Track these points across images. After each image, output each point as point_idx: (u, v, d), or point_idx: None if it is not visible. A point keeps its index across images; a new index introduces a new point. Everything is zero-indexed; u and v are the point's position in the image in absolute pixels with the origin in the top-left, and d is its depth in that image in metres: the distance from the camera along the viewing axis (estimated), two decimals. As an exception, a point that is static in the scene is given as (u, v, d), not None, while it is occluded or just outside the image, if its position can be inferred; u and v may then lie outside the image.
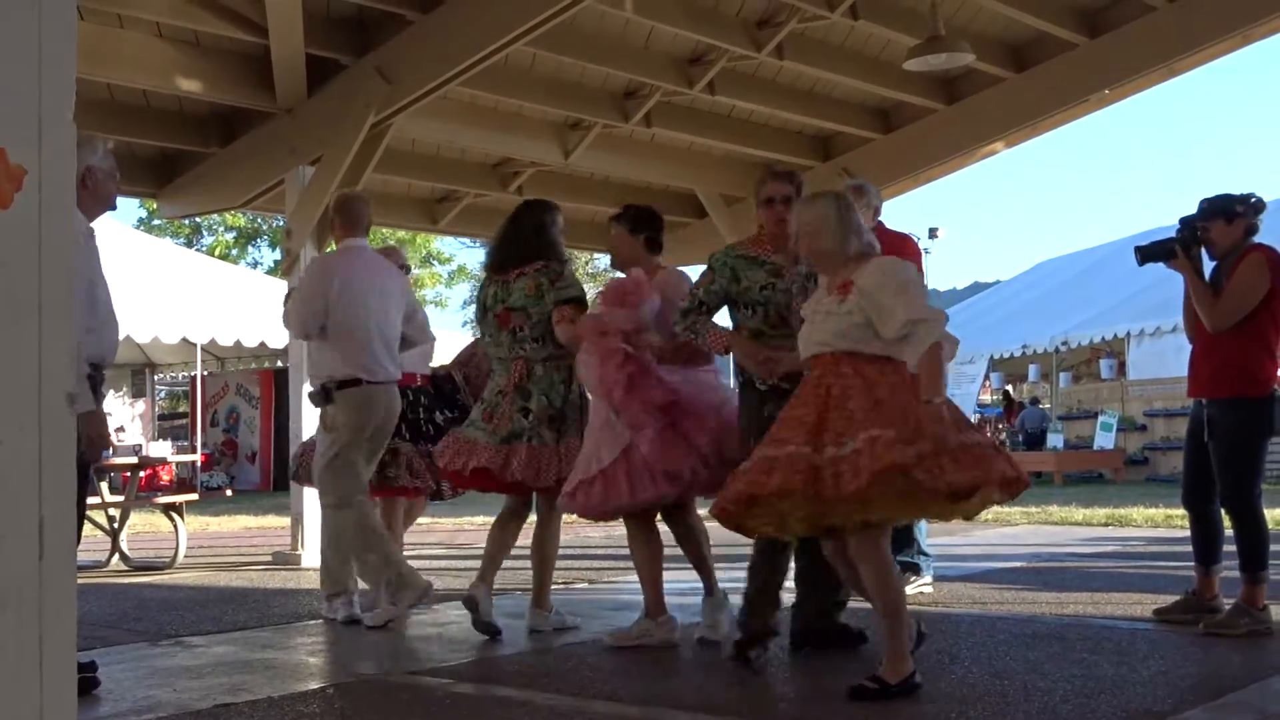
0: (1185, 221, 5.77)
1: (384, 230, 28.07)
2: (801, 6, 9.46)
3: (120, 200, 5.59)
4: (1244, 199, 5.69)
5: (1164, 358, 18.68)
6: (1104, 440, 20.29)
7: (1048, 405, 24.56)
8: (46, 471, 1.76)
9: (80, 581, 6.17)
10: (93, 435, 4.66)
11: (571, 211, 13.55)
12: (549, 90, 10.48)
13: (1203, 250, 5.74)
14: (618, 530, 6.50)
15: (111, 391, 14.67)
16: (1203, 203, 5.78)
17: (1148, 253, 5.82)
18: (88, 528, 10.20)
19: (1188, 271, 5.70)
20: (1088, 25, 10.39)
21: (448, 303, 44.22)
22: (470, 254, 66.45)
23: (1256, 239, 5.67)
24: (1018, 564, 8.70)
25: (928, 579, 6.87)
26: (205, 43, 9.12)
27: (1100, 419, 20.55)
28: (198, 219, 31.64)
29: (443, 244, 33.22)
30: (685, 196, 13.25)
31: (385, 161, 9.96)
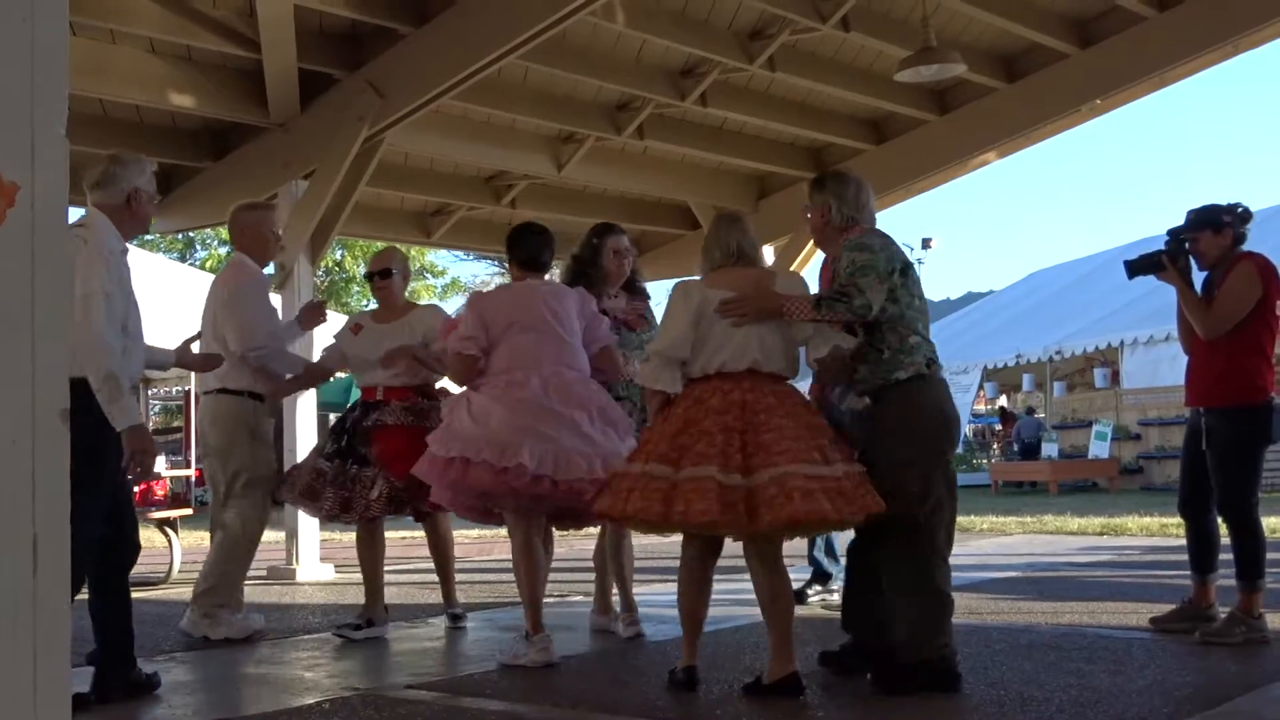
0: (1173, 233, 5.79)
1: (378, 243, 28.06)
2: (793, 18, 9.48)
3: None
4: (1230, 209, 5.73)
5: (1158, 367, 18.74)
6: (1099, 449, 20.33)
7: (1042, 415, 24.59)
8: (40, 488, 1.76)
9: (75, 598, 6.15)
10: (137, 449, 4.63)
11: (565, 224, 13.59)
12: (542, 103, 10.49)
13: (1191, 261, 5.76)
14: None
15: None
16: (1190, 214, 5.80)
17: (1136, 266, 5.85)
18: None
19: (1177, 282, 5.72)
20: (1078, 35, 10.43)
21: (441, 316, 44.33)
22: (464, 267, 66.34)
23: (1244, 248, 5.69)
24: (1013, 574, 8.70)
25: (835, 587, 6.90)
26: (198, 57, 9.12)
27: (1095, 428, 20.58)
28: (191, 234, 31.69)
29: (436, 257, 33.23)
30: (678, 208, 13.27)
31: (378, 175, 9.97)
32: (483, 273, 51.56)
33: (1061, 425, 22.32)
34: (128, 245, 4.90)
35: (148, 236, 29.99)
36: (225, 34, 8.62)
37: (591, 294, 5.85)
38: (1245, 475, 5.58)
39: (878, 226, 4.98)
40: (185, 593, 8.60)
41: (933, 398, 4.75)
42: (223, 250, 33.68)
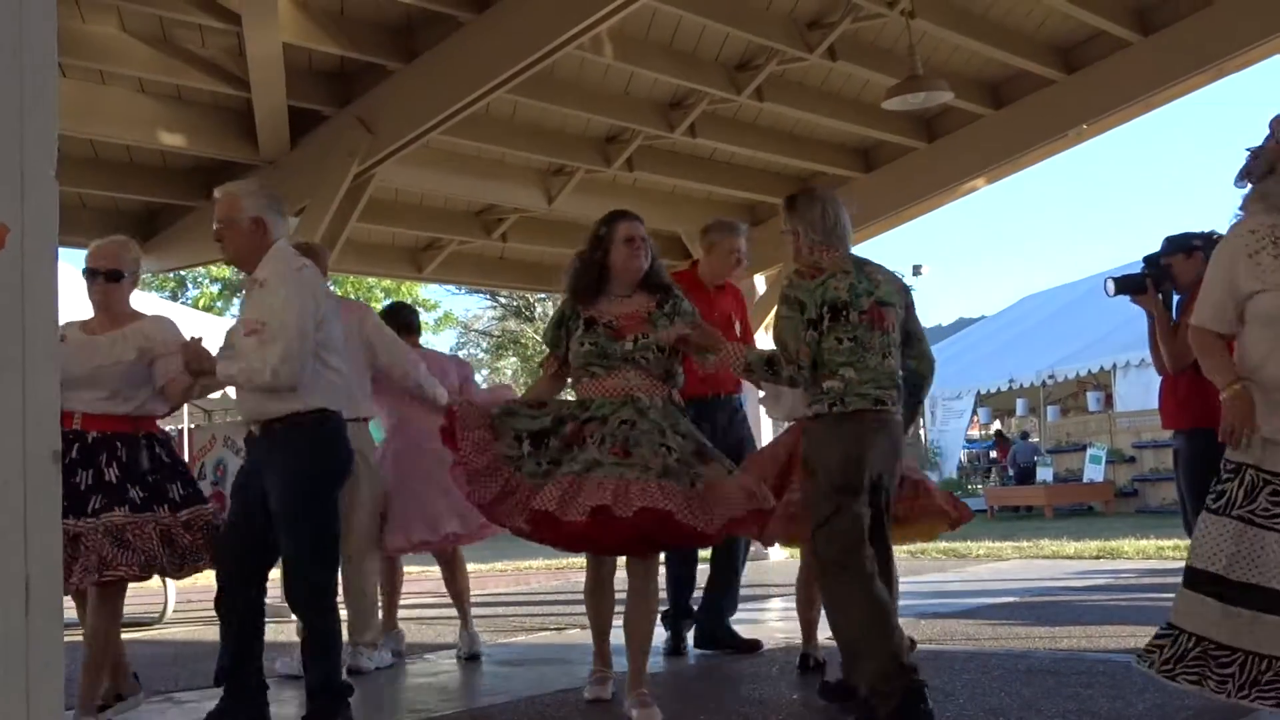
0: (1149, 260, 5.93)
1: (369, 279, 28.15)
2: (780, 48, 9.53)
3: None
4: (1202, 235, 5.86)
5: (1150, 389, 18.67)
6: (1093, 473, 20.31)
7: (1037, 439, 24.58)
8: (32, 529, 1.75)
9: (67, 638, 6.11)
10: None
11: (556, 257, 13.62)
12: (531, 137, 10.53)
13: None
14: (619, 575, 6.50)
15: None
16: (1165, 240, 5.94)
17: (1121, 284, 5.96)
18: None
19: (1157, 308, 5.85)
20: (1063, 61, 10.49)
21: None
22: (456, 300, 66.42)
23: None
24: (1010, 599, 8.68)
25: None
26: (187, 97, 9.14)
27: (1089, 451, 20.57)
28: (182, 272, 31.65)
29: (428, 291, 33.23)
30: (669, 239, 13.27)
31: (369, 211, 9.99)
32: (475, 307, 51.79)
33: (1056, 449, 22.31)
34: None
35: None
36: (215, 73, 8.64)
37: (597, 295, 5.31)
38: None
39: (851, 250, 4.90)
40: (178, 632, 8.58)
41: (825, 439, 4.63)
42: (214, 288, 33.70)
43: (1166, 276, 5.86)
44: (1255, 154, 3.51)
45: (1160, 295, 5.87)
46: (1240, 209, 3.71)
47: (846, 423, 4.59)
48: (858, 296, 4.66)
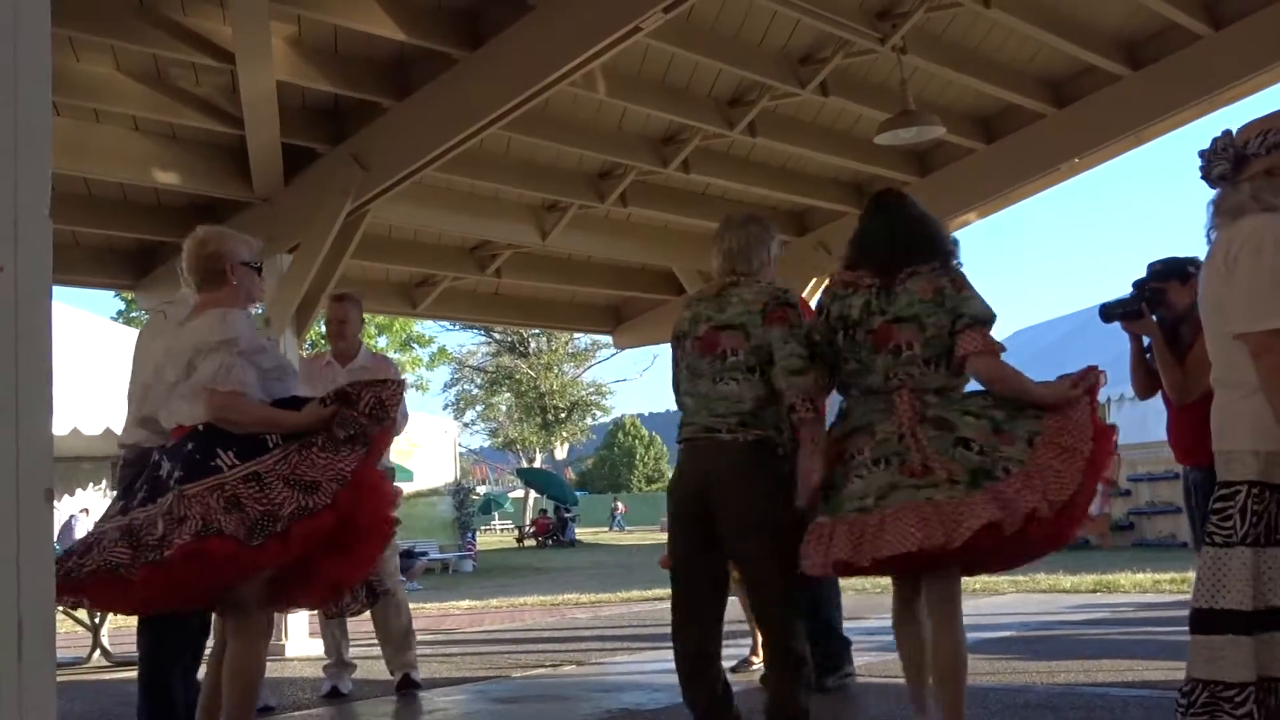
0: (1139, 285, 5.73)
1: (364, 315, 28.03)
2: (772, 84, 9.57)
3: (98, 293, 5.64)
4: (1194, 260, 5.61)
5: (1145, 422, 18.69)
6: (1090, 506, 20.26)
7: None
8: (25, 571, 1.74)
9: (60, 679, 6.08)
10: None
11: (550, 293, 13.66)
12: (525, 173, 10.55)
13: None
14: (604, 611, 6.44)
15: (91, 484, 14.60)
16: (1155, 265, 5.71)
17: (1111, 311, 5.67)
18: (69, 624, 10.08)
19: (1155, 334, 5.63)
20: (1055, 96, 10.54)
21: (429, 385, 44.29)
22: (450, 336, 66.60)
23: None
24: (1007, 633, 8.65)
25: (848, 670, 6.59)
26: (181, 135, 9.16)
27: (1084, 485, 20.52)
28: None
29: (422, 327, 33.25)
30: (663, 274, 13.31)
31: (363, 247, 9.99)
32: (469, 342, 51.86)
33: (1051, 482, 22.26)
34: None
35: (133, 313, 30.04)
36: (208, 111, 8.66)
37: None
38: None
39: (774, 280, 4.74)
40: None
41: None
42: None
43: (1160, 301, 5.60)
44: (1237, 155, 3.44)
45: (1156, 320, 5.60)
46: (1218, 205, 3.50)
47: (681, 455, 4.66)
48: (696, 324, 4.61)
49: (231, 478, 4.13)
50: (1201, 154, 3.52)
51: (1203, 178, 3.53)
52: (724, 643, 4.50)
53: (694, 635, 4.45)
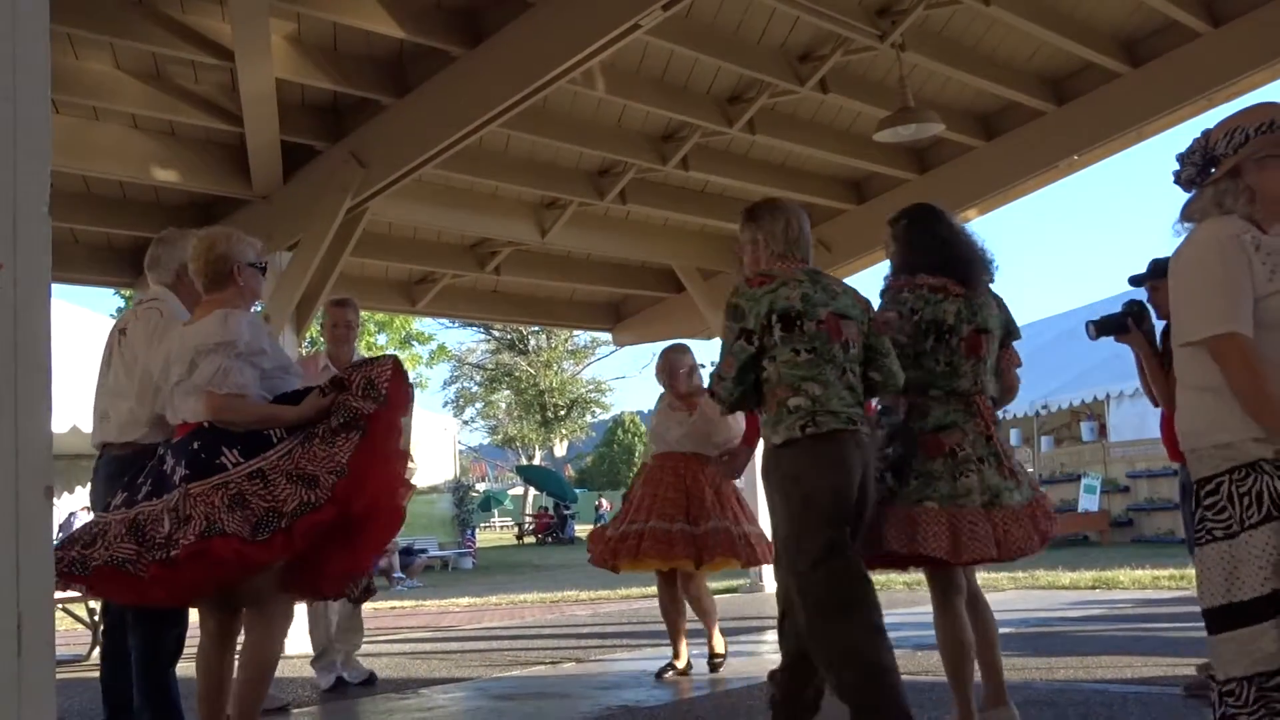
0: (1135, 281, 5.91)
1: (363, 313, 28.07)
2: (771, 81, 9.57)
3: (97, 290, 5.70)
4: None
5: (1144, 419, 18.72)
6: (1088, 503, 20.28)
7: (1031, 469, 24.57)
8: (24, 565, 1.74)
9: (60, 676, 6.10)
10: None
11: (550, 290, 13.66)
12: (524, 170, 10.55)
13: (1152, 313, 5.89)
14: (603, 608, 6.45)
15: (90, 481, 14.59)
16: (1151, 263, 5.90)
17: (1101, 327, 5.86)
18: (68, 621, 10.09)
19: (1142, 346, 5.78)
20: (1054, 93, 10.55)
21: (428, 383, 44.29)
22: (450, 334, 66.59)
23: None
24: (1006, 630, 8.63)
25: None
26: (181, 133, 9.16)
27: (1083, 482, 20.54)
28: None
29: (422, 324, 33.24)
30: (662, 271, 13.32)
31: (362, 244, 10.00)
32: (468, 340, 51.86)
33: (1050, 480, 22.27)
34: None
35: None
36: (208, 109, 8.66)
37: None
38: None
39: (811, 265, 4.61)
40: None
41: (806, 465, 4.24)
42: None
43: (1144, 316, 5.80)
44: (1204, 156, 3.43)
45: (1144, 331, 5.77)
46: (1185, 211, 3.52)
47: (820, 448, 4.23)
48: (813, 306, 4.33)
49: (236, 475, 4.15)
50: (1178, 157, 3.52)
51: (1175, 182, 3.53)
52: (746, 638, 4.50)
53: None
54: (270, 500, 4.10)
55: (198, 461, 4.21)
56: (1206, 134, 3.45)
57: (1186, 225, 3.46)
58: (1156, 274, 5.79)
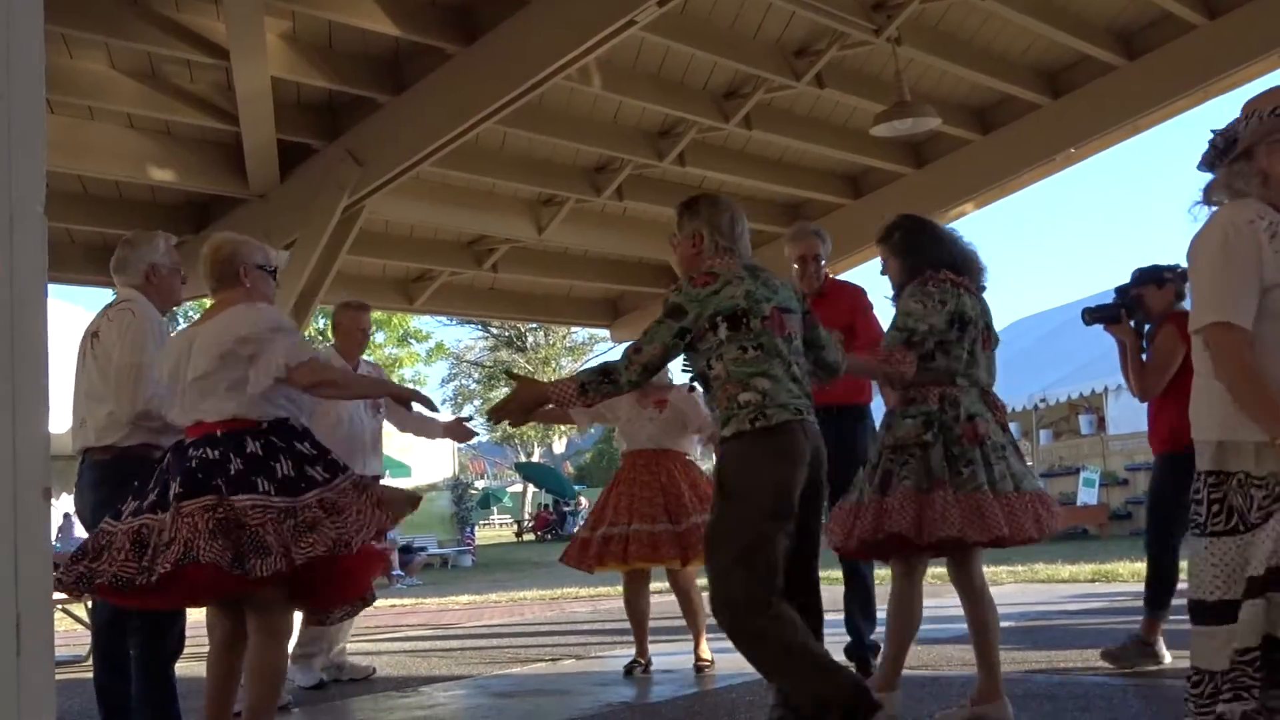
0: (1121, 290, 6.22)
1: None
2: (767, 77, 9.56)
3: (95, 290, 5.71)
4: (1171, 268, 6.19)
5: (1142, 412, 18.72)
6: (1087, 496, 20.31)
7: (1030, 463, 24.56)
8: (23, 566, 1.74)
9: (59, 677, 6.10)
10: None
11: (547, 287, 13.65)
12: (520, 167, 10.54)
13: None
14: (603, 605, 6.46)
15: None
16: (1135, 271, 6.28)
17: (1095, 314, 6.23)
18: (67, 622, 10.09)
19: (1131, 338, 6.16)
20: (1050, 86, 10.54)
21: (426, 380, 44.23)
22: (447, 332, 66.58)
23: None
24: (1006, 623, 8.63)
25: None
26: (177, 132, 9.15)
27: (1082, 475, 20.58)
28: (173, 307, 31.66)
29: (420, 322, 33.26)
30: (660, 267, 13.30)
31: (359, 243, 9.98)
32: (466, 337, 51.83)
33: (1049, 473, 22.30)
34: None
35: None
36: (204, 108, 8.65)
37: None
38: (1168, 515, 6.10)
39: (752, 261, 4.66)
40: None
41: (755, 457, 4.30)
42: (205, 322, 33.66)
43: (1139, 306, 6.17)
44: (1226, 136, 3.42)
45: (1133, 324, 6.18)
46: (1204, 194, 3.50)
47: (772, 440, 4.28)
48: (757, 303, 4.39)
49: (240, 502, 4.16)
50: (1208, 141, 3.52)
51: (1198, 167, 3.53)
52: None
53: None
54: (264, 534, 4.10)
55: (193, 479, 4.20)
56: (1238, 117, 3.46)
57: (1210, 207, 3.45)
58: (1140, 282, 6.22)
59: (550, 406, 4.56)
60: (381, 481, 6.84)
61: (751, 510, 4.21)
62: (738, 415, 4.29)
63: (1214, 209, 3.40)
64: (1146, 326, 6.26)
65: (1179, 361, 5.94)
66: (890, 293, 5.23)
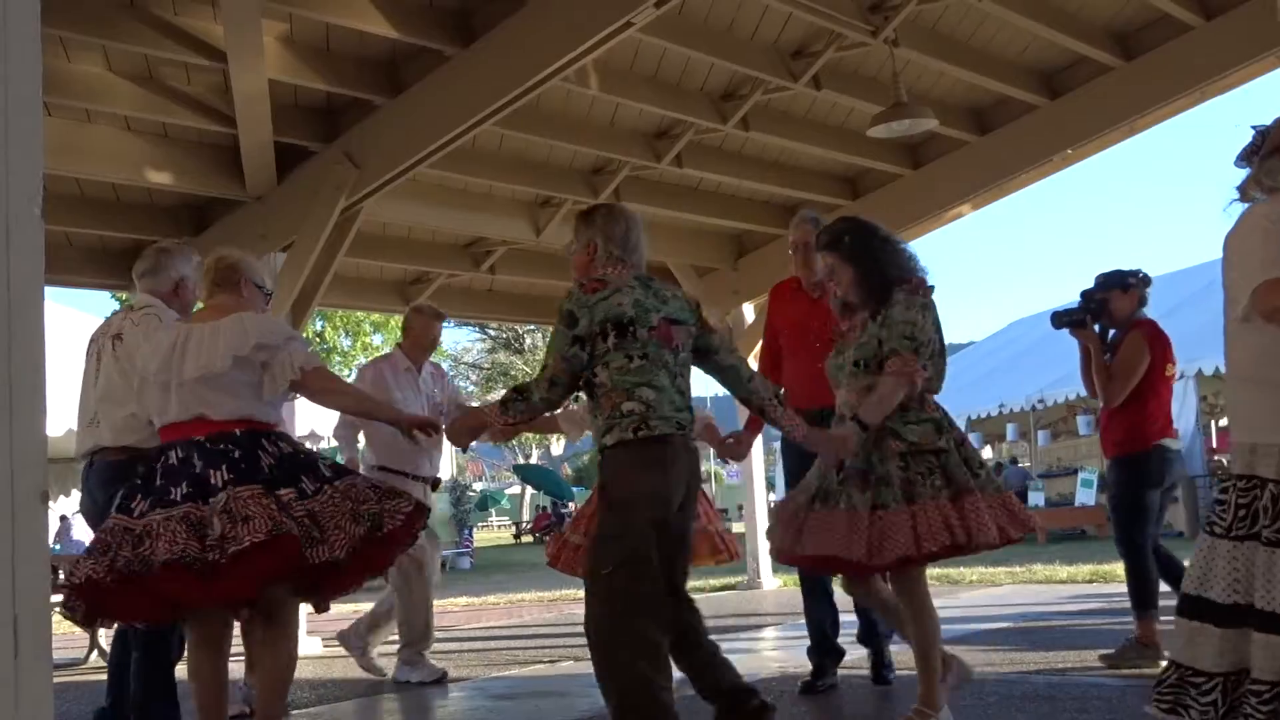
0: (1087, 295, 6.36)
1: (358, 313, 28.18)
2: (764, 78, 9.57)
3: (92, 293, 5.73)
4: (1134, 273, 6.29)
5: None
6: (1085, 496, 20.30)
7: (1028, 463, 24.58)
8: (20, 568, 1.74)
9: (57, 680, 6.10)
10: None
11: (545, 289, 13.65)
12: (518, 169, 10.55)
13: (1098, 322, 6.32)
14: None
15: (75, 489, 14.60)
16: (1099, 277, 6.35)
17: (1063, 319, 6.35)
18: (66, 625, 10.07)
19: (1095, 344, 6.24)
20: (1047, 87, 10.55)
21: (424, 382, 44.23)
22: (445, 333, 66.41)
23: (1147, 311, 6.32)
24: (1004, 624, 8.67)
25: None
26: (174, 135, 9.15)
27: (1080, 475, 20.57)
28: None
29: (417, 325, 33.21)
30: (657, 269, 13.31)
31: (357, 245, 9.99)
32: (464, 339, 51.83)
33: (1047, 474, 22.32)
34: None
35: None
36: (201, 111, 8.65)
37: None
38: (1132, 517, 6.15)
39: (642, 272, 4.62)
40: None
41: (634, 466, 4.29)
42: (203, 325, 33.63)
43: (1103, 311, 6.24)
44: (1262, 133, 3.42)
45: (1097, 329, 6.26)
46: (1239, 191, 3.50)
47: (650, 450, 4.27)
48: (645, 312, 4.35)
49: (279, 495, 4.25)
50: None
51: (1235, 163, 3.55)
52: (744, 636, 4.50)
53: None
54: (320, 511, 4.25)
55: (238, 469, 4.25)
56: None
57: (1247, 203, 3.45)
58: (1105, 287, 6.30)
59: (496, 427, 4.57)
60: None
61: (633, 517, 4.22)
62: (620, 424, 4.27)
63: (1248, 205, 3.40)
64: (1111, 332, 6.33)
65: (1144, 369, 6.04)
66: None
